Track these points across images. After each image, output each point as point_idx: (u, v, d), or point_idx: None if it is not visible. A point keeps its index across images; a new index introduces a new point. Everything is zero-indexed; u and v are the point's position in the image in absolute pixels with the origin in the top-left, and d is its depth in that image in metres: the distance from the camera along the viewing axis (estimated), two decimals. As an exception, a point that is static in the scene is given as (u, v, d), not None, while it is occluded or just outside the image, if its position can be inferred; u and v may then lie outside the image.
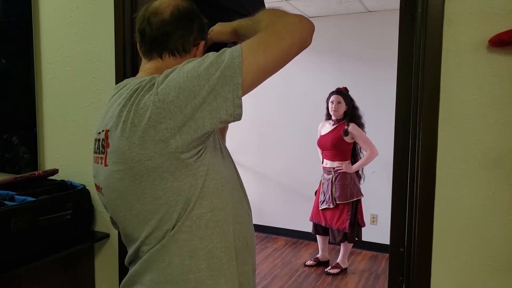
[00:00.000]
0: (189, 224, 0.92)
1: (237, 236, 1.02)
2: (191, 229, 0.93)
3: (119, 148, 0.91)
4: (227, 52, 0.88)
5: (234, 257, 1.00)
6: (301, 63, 4.60)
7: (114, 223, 1.11)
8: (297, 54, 0.94)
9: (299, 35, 0.92)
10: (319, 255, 4.01)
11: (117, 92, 1.01)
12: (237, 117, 0.88)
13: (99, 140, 1.00)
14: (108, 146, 0.94)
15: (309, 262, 3.98)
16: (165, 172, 0.89)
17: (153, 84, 0.89)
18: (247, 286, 1.05)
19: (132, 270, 1.00)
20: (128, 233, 1.00)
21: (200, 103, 0.85)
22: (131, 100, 0.91)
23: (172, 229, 0.92)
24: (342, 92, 3.67)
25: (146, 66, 1.04)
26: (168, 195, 0.90)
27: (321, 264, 3.97)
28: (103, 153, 0.96)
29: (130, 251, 1.01)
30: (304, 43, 0.93)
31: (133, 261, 1.02)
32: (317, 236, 3.94)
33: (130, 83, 0.98)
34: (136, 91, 0.91)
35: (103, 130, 0.98)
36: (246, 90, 0.89)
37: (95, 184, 1.05)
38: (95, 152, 1.02)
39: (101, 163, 0.97)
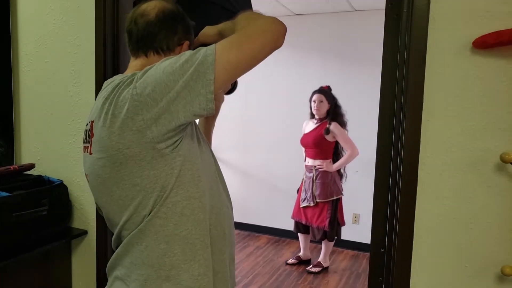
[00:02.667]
0: (164, 211, 0.98)
1: (214, 225, 1.07)
2: (167, 215, 0.98)
3: (101, 137, 0.98)
4: (202, 50, 0.94)
5: (209, 244, 1.05)
6: (286, 61, 4.59)
7: (99, 208, 1.16)
8: (269, 54, 0.99)
9: (271, 35, 0.98)
10: (300, 254, 4.01)
11: (105, 87, 1.06)
12: (210, 110, 0.94)
13: (86, 130, 1.06)
14: (92, 135, 1.01)
15: (290, 261, 3.98)
16: (142, 161, 0.95)
17: (133, 79, 0.95)
18: (222, 274, 1.10)
19: (115, 253, 1.06)
20: (110, 217, 1.07)
21: (174, 97, 0.91)
22: (113, 94, 0.96)
23: (149, 215, 0.98)
24: (324, 91, 3.67)
25: (133, 63, 1.11)
26: (145, 182, 0.96)
27: (302, 262, 3.97)
28: (89, 142, 1.03)
29: (114, 235, 1.08)
30: (275, 44, 0.99)
31: (118, 244, 1.07)
32: (299, 234, 3.95)
33: (116, 78, 1.03)
34: (117, 85, 0.97)
35: (90, 122, 1.04)
36: (219, 86, 0.94)
37: (85, 172, 1.10)
38: (83, 142, 1.08)
39: (87, 152, 1.04)
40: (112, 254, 1.09)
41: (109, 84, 1.04)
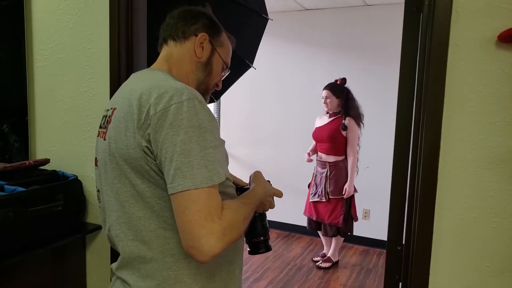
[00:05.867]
0: (171, 223, 0.93)
1: None
2: (173, 227, 0.93)
3: (117, 127, 0.96)
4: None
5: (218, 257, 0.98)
6: (296, 56, 4.56)
7: (99, 197, 1.13)
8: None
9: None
10: (325, 251, 3.95)
11: (134, 79, 1.05)
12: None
13: (105, 116, 1.05)
14: (110, 122, 1.00)
15: (316, 258, 3.95)
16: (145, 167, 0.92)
17: (149, 125, 0.89)
18: (232, 285, 1.07)
19: (120, 257, 1.02)
20: (105, 208, 1.04)
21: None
22: (136, 111, 0.92)
23: (155, 226, 0.94)
24: (330, 87, 3.63)
25: (160, 54, 1.13)
26: (147, 188, 0.93)
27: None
28: (106, 128, 1.02)
29: (106, 229, 1.06)
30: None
31: (111, 241, 1.06)
32: (319, 232, 3.89)
33: (145, 82, 0.98)
34: (140, 101, 0.91)
35: (111, 108, 1.02)
36: None
37: (95, 158, 1.09)
38: (100, 127, 1.07)
39: (102, 137, 1.03)
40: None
41: (135, 79, 1.03)
